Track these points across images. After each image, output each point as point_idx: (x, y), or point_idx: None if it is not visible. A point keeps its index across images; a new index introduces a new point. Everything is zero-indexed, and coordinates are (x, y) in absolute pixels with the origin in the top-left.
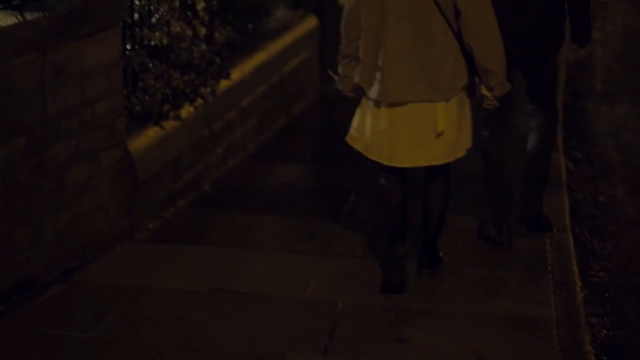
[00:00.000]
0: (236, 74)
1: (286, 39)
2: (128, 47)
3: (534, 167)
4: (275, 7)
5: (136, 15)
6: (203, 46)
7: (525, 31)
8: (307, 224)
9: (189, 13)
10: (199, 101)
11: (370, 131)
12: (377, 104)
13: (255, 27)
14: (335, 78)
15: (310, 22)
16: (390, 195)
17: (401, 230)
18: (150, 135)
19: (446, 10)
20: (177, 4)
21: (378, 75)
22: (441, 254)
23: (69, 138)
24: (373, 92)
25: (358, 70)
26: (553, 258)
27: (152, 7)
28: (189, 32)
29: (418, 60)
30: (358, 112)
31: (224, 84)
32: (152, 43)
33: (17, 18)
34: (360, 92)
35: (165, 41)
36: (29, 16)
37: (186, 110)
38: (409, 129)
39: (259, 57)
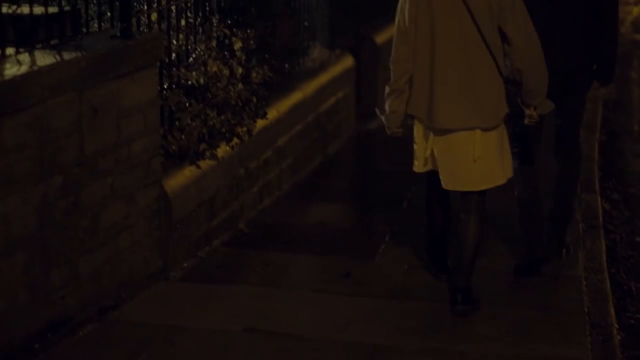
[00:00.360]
0: (272, 114)
1: (322, 78)
2: (165, 86)
3: (559, 201)
4: (312, 47)
5: (173, 55)
6: (240, 86)
7: (559, 67)
8: (342, 263)
9: (226, 53)
10: (235, 140)
11: (419, 154)
12: (426, 129)
13: (292, 67)
14: (382, 115)
15: (347, 62)
16: (435, 220)
17: (444, 258)
18: (186, 174)
19: (491, 42)
20: (214, 43)
21: (429, 104)
22: (476, 295)
23: (105, 177)
24: (423, 119)
25: (409, 101)
26: (589, 299)
27: (189, 47)
28: (226, 72)
29: (465, 90)
30: (415, 141)
31: (260, 123)
32: (189, 82)
33: (55, 58)
34: (405, 129)
35: (202, 81)
36: (66, 56)
37: (222, 150)
38: (450, 154)
39: (295, 97)
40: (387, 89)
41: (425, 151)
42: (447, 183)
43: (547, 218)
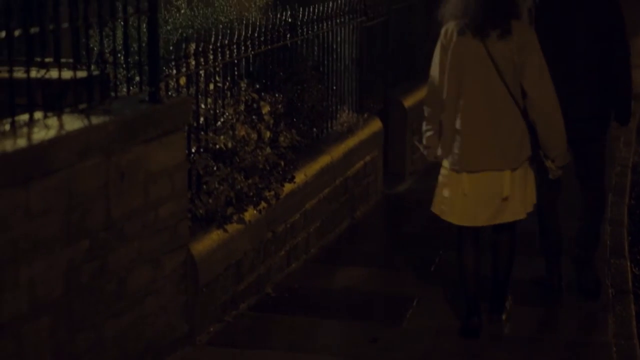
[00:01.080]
0: (300, 177)
1: (350, 142)
2: (193, 150)
3: (584, 240)
4: (341, 110)
5: (202, 119)
6: (267, 150)
7: (579, 115)
8: (369, 328)
9: (254, 117)
10: (263, 204)
11: (447, 195)
12: (454, 171)
13: (320, 130)
14: (421, 148)
15: (375, 125)
16: (467, 261)
17: (475, 298)
18: (213, 238)
19: (514, 92)
20: (242, 107)
21: (456, 148)
22: (507, 305)
23: (132, 241)
24: (451, 161)
25: (441, 143)
26: None
27: (217, 111)
28: (254, 136)
29: (490, 135)
30: (439, 181)
31: (287, 187)
32: (217, 146)
33: (83, 122)
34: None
35: (230, 145)
36: (94, 120)
37: (250, 214)
38: (479, 193)
39: (323, 160)
40: (423, 126)
41: (451, 191)
42: (475, 219)
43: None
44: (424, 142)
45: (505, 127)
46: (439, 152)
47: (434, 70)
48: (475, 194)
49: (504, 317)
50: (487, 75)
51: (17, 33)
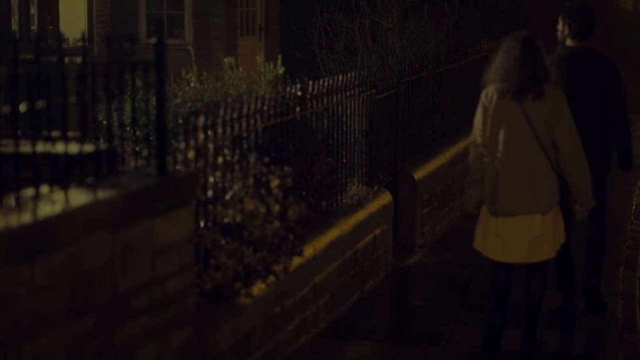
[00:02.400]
0: (309, 251)
1: (360, 215)
2: (201, 224)
3: (589, 271)
4: (350, 183)
5: (210, 192)
6: (276, 223)
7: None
8: None
9: (262, 190)
10: (271, 278)
11: (488, 235)
12: (494, 214)
13: (330, 203)
14: (467, 199)
15: (385, 198)
16: (499, 284)
17: (503, 309)
18: (220, 313)
19: (546, 146)
20: (251, 181)
21: (496, 195)
22: (539, 338)
23: (139, 317)
24: (492, 206)
25: (482, 191)
26: None
27: (226, 184)
28: (263, 210)
29: (525, 184)
30: (480, 221)
31: (296, 261)
32: (226, 220)
33: (89, 197)
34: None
35: (238, 218)
36: (101, 195)
37: (258, 288)
38: (515, 234)
39: (333, 234)
40: (466, 179)
41: (491, 231)
42: (512, 257)
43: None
44: (466, 193)
45: (538, 177)
46: (481, 197)
47: (477, 128)
48: (511, 234)
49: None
50: (523, 132)
51: (23, 107)
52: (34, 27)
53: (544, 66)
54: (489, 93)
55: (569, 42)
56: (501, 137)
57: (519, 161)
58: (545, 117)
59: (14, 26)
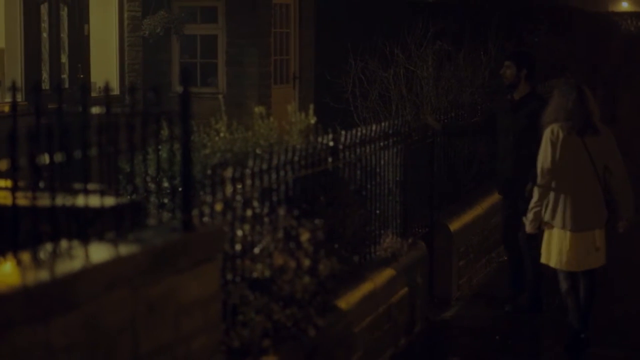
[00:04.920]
0: (341, 306)
1: (394, 268)
2: (228, 278)
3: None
4: (384, 235)
5: (238, 246)
6: (306, 278)
7: None
8: None
9: (292, 244)
10: (301, 335)
11: (553, 249)
12: (562, 231)
13: (362, 256)
14: (526, 222)
15: (419, 250)
16: (569, 290)
17: (578, 309)
18: None
19: (600, 173)
20: (280, 234)
21: (565, 213)
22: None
23: None
24: (560, 223)
25: (548, 212)
26: None
27: (254, 238)
28: (293, 264)
29: (589, 204)
30: (545, 239)
31: (327, 316)
32: (254, 275)
33: (110, 253)
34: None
35: (267, 273)
36: (123, 250)
37: (287, 345)
38: (580, 246)
39: (366, 288)
40: (531, 204)
41: (558, 245)
42: (577, 266)
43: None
44: (531, 216)
45: (596, 198)
46: (547, 217)
47: (547, 161)
48: (577, 247)
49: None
50: (585, 162)
51: (42, 160)
52: (64, 76)
53: (595, 107)
54: (555, 130)
55: None
56: (568, 166)
57: (583, 186)
58: (601, 149)
59: (45, 74)
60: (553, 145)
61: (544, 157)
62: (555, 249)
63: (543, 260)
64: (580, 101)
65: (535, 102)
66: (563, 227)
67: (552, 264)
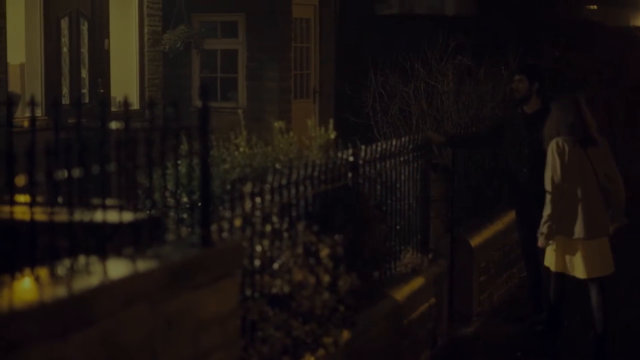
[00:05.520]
0: (361, 322)
1: (415, 284)
2: (247, 294)
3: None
4: (404, 251)
5: (257, 262)
6: (326, 294)
7: None
8: None
9: (312, 260)
10: (321, 352)
11: (561, 255)
12: (571, 239)
13: (383, 272)
14: (539, 236)
15: (440, 266)
16: (557, 293)
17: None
18: None
19: (601, 179)
20: (300, 250)
21: (577, 223)
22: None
23: None
24: (571, 232)
25: (558, 222)
26: None
27: (273, 254)
28: (312, 280)
29: (596, 211)
30: (551, 248)
31: (347, 333)
32: (273, 291)
33: (128, 268)
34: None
35: (286, 289)
36: (141, 266)
37: None
38: (591, 254)
39: (386, 303)
40: (545, 218)
41: (565, 252)
42: (583, 273)
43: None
44: (545, 230)
45: (601, 205)
46: (559, 229)
47: (556, 173)
48: (588, 254)
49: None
50: (589, 172)
51: (60, 176)
52: (84, 91)
53: (592, 120)
54: (560, 143)
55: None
56: (576, 177)
57: (590, 195)
58: (600, 159)
59: (65, 89)
60: (561, 157)
61: (554, 169)
62: (559, 255)
63: (547, 263)
64: (580, 115)
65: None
66: (573, 235)
67: (557, 269)
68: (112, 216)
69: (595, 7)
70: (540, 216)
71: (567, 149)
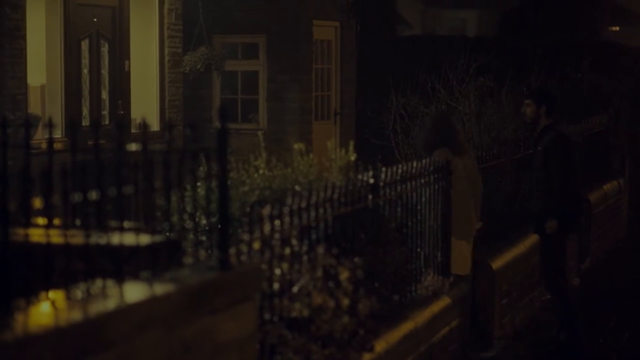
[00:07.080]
0: (381, 345)
1: (435, 307)
2: (266, 317)
3: None
4: (425, 274)
5: (276, 285)
6: (345, 318)
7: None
8: None
9: (331, 283)
10: None
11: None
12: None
13: (403, 295)
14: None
15: (461, 289)
16: None
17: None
18: None
19: None
20: (319, 273)
21: None
22: None
23: None
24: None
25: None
26: None
27: (293, 277)
28: (332, 304)
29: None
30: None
31: (367, 356)
32: (292, 314)
33: (145, 292)
34: None
35: (305, 313)
36: (158, 290)
37: None
38: None
39: (406, 327)
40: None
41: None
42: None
43: None
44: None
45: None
46: None
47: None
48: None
49: None
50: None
51: (77, 198)
52: (105, 112)
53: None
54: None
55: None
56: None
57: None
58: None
59: (85, 111)
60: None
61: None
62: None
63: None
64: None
65: (550, 133)
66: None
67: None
68: (130, 239)
69: (617, 28)
70: (547, 238)
71: (453, 159)
